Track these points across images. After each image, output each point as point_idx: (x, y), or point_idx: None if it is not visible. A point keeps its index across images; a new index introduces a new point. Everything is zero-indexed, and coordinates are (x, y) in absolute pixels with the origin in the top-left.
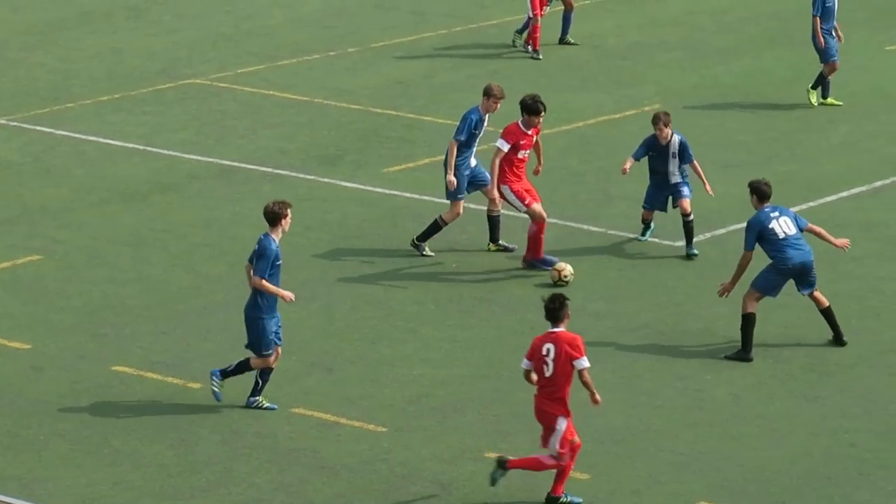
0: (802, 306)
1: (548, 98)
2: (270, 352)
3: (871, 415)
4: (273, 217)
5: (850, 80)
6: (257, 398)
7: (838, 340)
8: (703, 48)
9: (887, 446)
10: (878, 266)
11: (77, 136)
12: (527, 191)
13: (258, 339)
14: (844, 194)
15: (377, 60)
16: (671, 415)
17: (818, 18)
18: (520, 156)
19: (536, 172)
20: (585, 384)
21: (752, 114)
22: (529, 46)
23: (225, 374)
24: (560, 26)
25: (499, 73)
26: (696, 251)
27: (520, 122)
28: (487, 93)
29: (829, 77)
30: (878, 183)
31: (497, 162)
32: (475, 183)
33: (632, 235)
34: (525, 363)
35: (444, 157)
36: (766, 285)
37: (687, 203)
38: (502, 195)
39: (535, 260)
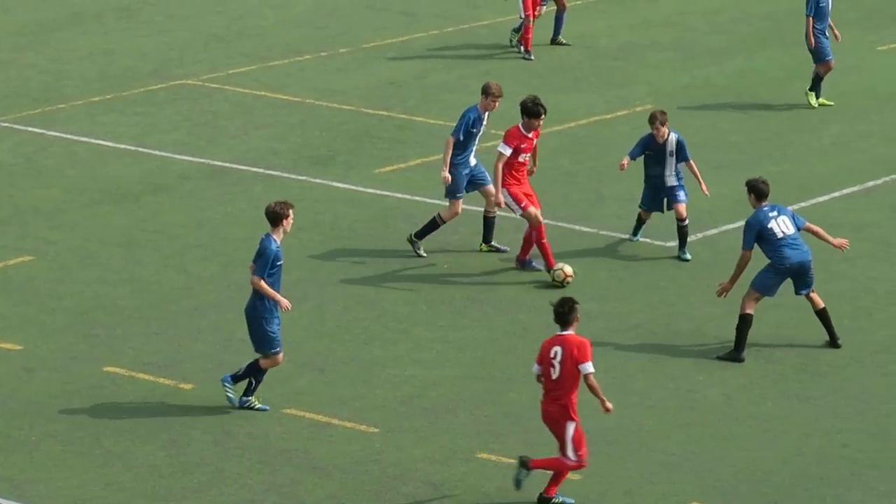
0: (794, 307)
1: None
2: (278, 349)
3: (863, 415)
4: (275, 217)
5: (842, 81)
6: (249, 398)
7: (833, 343)
8: (695, 48)
9: (879, 446)
10: (869, 266)
11: (68, 136)
12: (526, 195)
13: (263, 339)
14: (836, 194)
15: (369, 61)
16: (663, 415)
17: (811, 18)
18: (520, 159)
19: (530, 173)
20: (592, 389)
21: (743, 114)
22: (522, 47)
23: (236, 378)
24: (552, 27)
25: (491, 73)
26: (689, 256)
27: (520, 124)
28: (486, 91)
29: (824, 75)
30: (870, 183)
31: (500, 166)
32: (474, 182)
33: (624, 236)
34: (535, 368)
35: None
36: (765, 285)
37: (683, 208)
38: (495, 198)
39: (522, 262)
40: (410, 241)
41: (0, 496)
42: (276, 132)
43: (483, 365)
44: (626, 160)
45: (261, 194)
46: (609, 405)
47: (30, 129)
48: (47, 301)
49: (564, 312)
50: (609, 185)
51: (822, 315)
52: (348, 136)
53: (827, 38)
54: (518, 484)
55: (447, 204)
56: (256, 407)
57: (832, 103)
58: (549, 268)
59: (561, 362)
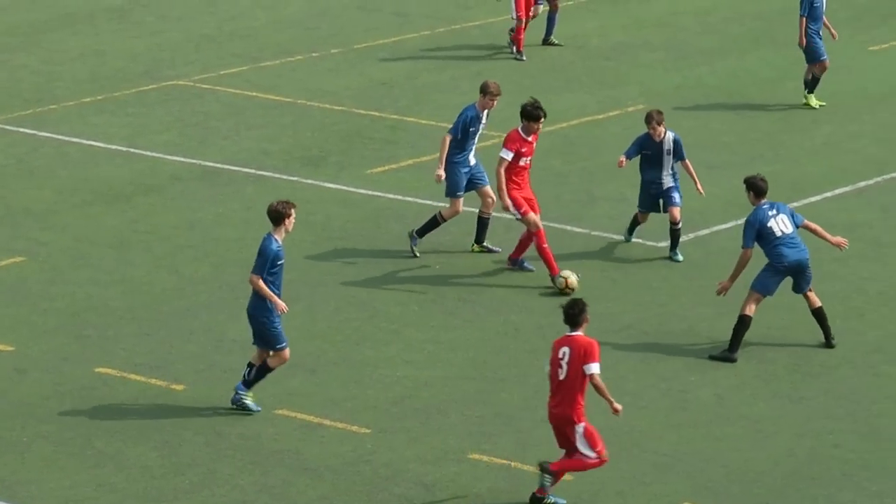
0: (786, 307)
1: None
2: (284, 344)
3: (855, 416)
4: (277, 216)
5: (833, 81)
6: (246, 392)
7: (827, 342)
8: (687, 49)
9: (871, 447)
10: (861, 267)
11: (60, 137)
12: (526, 199)
13: (267, 335)
14: (828, 195)
15: (360, 62)
16: (655, 416)
17: (805, 19)
18: (521, 163)
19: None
20: (598, 390)
21: (735, 114)
22: (514, 47)
23: (248, 383)
24: (544, 27)
25: (482, 74)
26: (680, 257)
27: (519, 128)
28: (484, 90)
29: (820, 76)
30: (862, 183)
31: (501, 171)
32: (472, 182)
33: (616, 237)
34: (547, 368)
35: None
36: (765, 285)
37: (677, 212)
38: (503, 200)
39: (514, 262)
40: (410, 237)
41: None
42: (267, 133)
43: (475, 365)
44: (623, 158)
45: (252, 195)
46: (617, 406)
47: (21, 129)
48: (39, 302)
49: (574, 314)
50: (601, 186)
51: (819, 314)
52: (340, 136)
53: (821, 39)
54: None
55: (447, 204)
56: (248, 404)
57: (824, 103)
58: (552, 275)
59: (569, 363)
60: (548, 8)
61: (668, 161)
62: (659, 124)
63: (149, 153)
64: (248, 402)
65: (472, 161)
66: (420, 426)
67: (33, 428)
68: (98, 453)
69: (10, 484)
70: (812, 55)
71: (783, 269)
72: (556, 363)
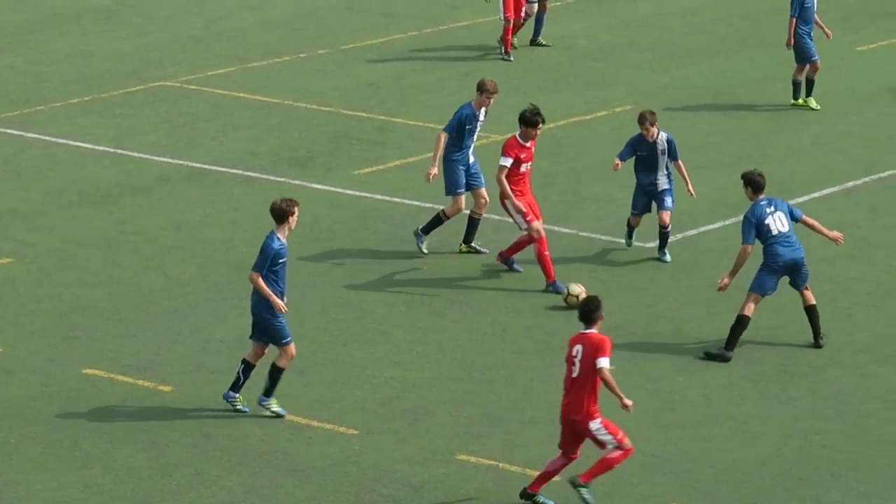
0: (774, 307)
1: (519, 100)
2: (289, 339)
3: (843, 416)
4: (280, 214)
5: (821, 81)
6: (236, 395)
7: (815, 341)
8: (674, 49)
9: (859, 447)
10: (849, 267)
11: (47, 138)
12: (529, 205)
13: (272, 331)
14: (816, 195)
15: (347, 62)
16: (643, 416)
17: (795, 19)
18: (521, 170)
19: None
20: (607, 384)
21: (723, 115)
22: (501, 48)
23: (267, 392)
24: (532, 28)
25: (470, 74)
26: (668, 258)
27: (517, 135)
28: (481, 88)
29: (814, 76)
30: (850, 184)
31: (502, 178)
32: (467, 183)
33: (604, 237)
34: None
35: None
36: (763, 285)
37: (667, 216)
38: (506, 208)
39: (504, 259)
40: (415, 235)
41: None
42: (255, 134)
43: (462, 366)
44: (618, 162)
45: (240, 196)
46: (627, 401)
47: (8, 131)
48: (26, 303)
49: (590, 311)
50: (588, 187)
51: (811, 312)
52: (327, 137)
53: (812, 39)
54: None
55: (436, 204)
56: (237, 406)
57: (804, 101)
58: (548, 283)
59: (581, 360)
60: (536, 8)
61: (663, 161)
62: (652, 125)
63: (136, 154)
64: (276, 408)
65: (471, 159)
66: (408, 427)
67: (20, 429)
68: (85, 454)
69: None
70: (803, 56)
71: (779, 268)
72: (569, 361)
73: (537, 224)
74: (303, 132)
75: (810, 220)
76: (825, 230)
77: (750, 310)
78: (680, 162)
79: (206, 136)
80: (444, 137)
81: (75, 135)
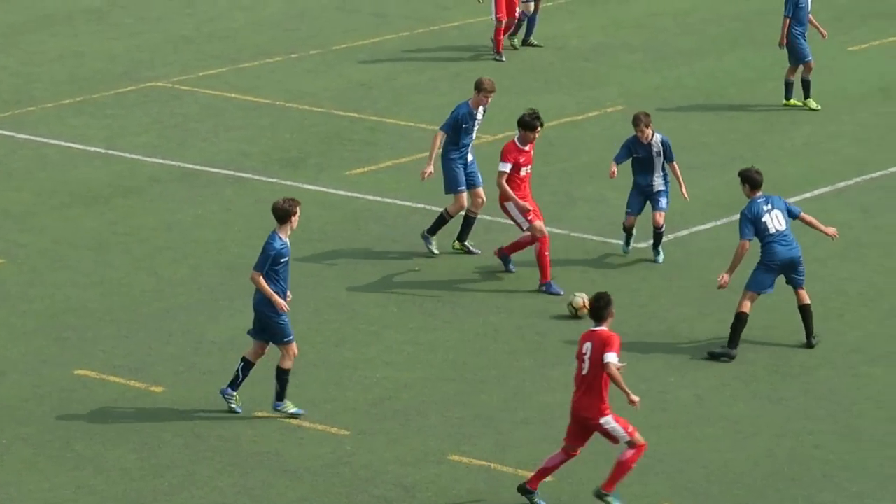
0: (766, 307)
1: (511, 100)
2: (290, 338)
3: (835, 416)
4: (283, 214)
5: (813, 81)
6: (233, 393)
7: (808, 341)
8: (666, 50)
9: (851, 447)
10: (841, 267)
11: (38, 139)
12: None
13: (274, 329)
14: (807, 195)
15: (339, 63)
16: (635, 416)
17: (789, 19)
18: (521, 173)
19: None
20: (613, 380)
21: (715, 115)
22: (494, 49)
23: (279, 396)
24: (524, 28)
25: (461, 75)
26: (661, 259)
27: (516, 138)
28: (478, 87)
29: (809, 77)
30: (841, 184)
31: (503, 183)
32: (466, 181)
33: (596, 238)
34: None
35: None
36: (759, 283)
37: (661, 217)
38: (506, 211)
39: (503, 256)
40: (423, 237)
41: None
42: (246, 134)
43: (454, 367)
44: (614, 167)
45: (231, 196)
46: (634, 397)
47: None
48: (17, 304)
49: (600, 307)
50: (580, 187)
51: (805, 311)
52: (319, 137)
53: (805, 40)
54: None
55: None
56: (232, 406)
57: (801, 103)
58: (542, 282)
59: (590, 357)
60: (533, 7)
61: (659, 163)
62: (647, 126)
63: (127, 155)
64: (293, 409)
65: (469, 158)
66: (399, 428)
67: (12, 430)
68: (77, 456)
69: None
70: (798, 57)
71: (776, 266)
72: (579, 357)
73: (539, 224)
74: (294, 133)
75: (808, 217)
76: (821, 226)
77: (747, 307)
78: (675, 164)
79: (197, 136)
80: (440, 136)
81: (66, 135)
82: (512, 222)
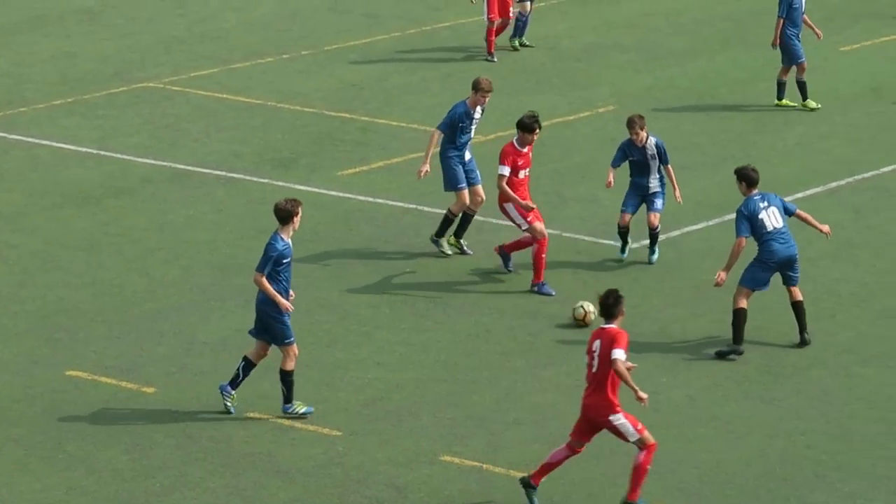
0: (758, 308)
1: (502, 100)
2: (291, 339)
3: (827, 416)
4: (285, 215)
5: (807, 81)
6: (231, 392)
7: (801, 338)
8: (658, 50)
9: (843, 448)
10: (832, 267)
11: (30, 140)
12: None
13: (275, 329)
14: (799, 195)
15: (330, 63)
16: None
17: (783, 20)
18: (520, 176)
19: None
20: (620, 376)
21: (706, 115)
22: (486, 49)
23: (287, 398)
24: (513, 28)
25: (452, 75)
26: (654, 259)
27: (514, 140)
28: (476, 87)
29: (803, 77)
30: (833, 184)
31: (504, 186)
32: (466, 179)
33: (587, 238)
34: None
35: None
36: (755, 280)
37: (655, 218)
38: (506, 213)
39: (503, 253)
40: (433, 242)
41: None
42: (238, 135)
43: (446, 367)
44: (611, 176)
45: (223, 197)
46: (642, 394)
47: None
48: (9, 305)
49: (610, 304)
50: (571, 188)
51: (797, 308)
52: (310, 138)
53: (800, 41)
54: None
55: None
56: (227, 404)
57: (795, 104)
58: (534, 283)
59: (599, 354)
60: (517, 9)
61: (654, 166)
62: (641, 129)
63: (119, 155)
64: (303, 409)
65: (467, 157)
66: (391, 428)
67: (4, 431)
68: (69, 456)
69: None
70: (792, 57)
71: (774, 264)
72: (589, 355)
73: (539, 225)
74: (286, 133)
75: (804, 214)
76: (816, 223)
77: (744, 303)
78: (670, 167)
79: (189, 137)
80: (436, 135)
81: (58, 136)
82: (511, 224)
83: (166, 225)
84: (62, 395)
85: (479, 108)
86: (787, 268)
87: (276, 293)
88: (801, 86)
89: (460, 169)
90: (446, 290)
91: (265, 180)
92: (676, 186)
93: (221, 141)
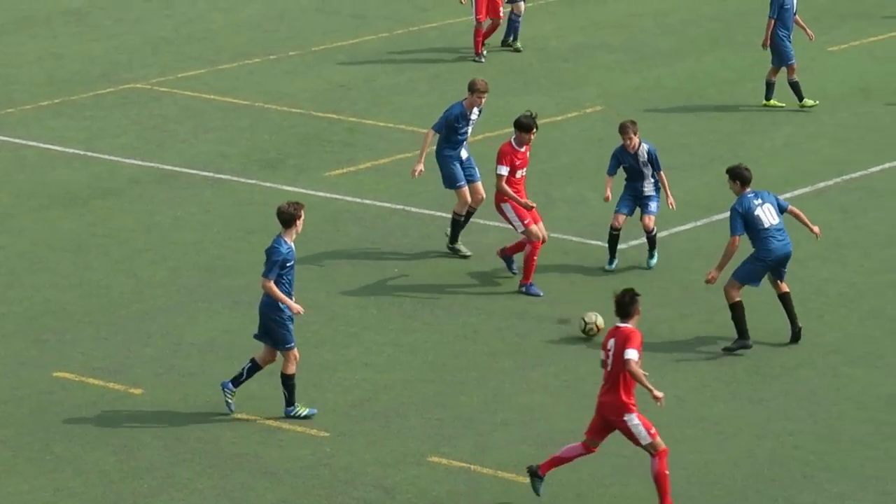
0: (747, 308)
1: (489, 101)
2: (292, 344)
3: (815, 417)
4: (288, 218)
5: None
6: (234, 389)
7: (792, 327)
8: (646, 50)
9: (831, 448)
10: (821, 268)
11: (17, 141)
12: (528, 212)
13: (276, 334)
14: (787, 196)
15: (318, 64)
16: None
17: (774, 21)
18: (517, 176)
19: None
20: (634, 377)
21: (694, 116)
22: (481, 50)
23: (289, 401)
24: (503, 29)
25: (440, 76)
26: (654, 263)
27: (512, 140)
28: (471, 88)
29: (795, 77)
30: (821, 184)
31: (504, 186)
32: (465, 177)
33: (575, 239)
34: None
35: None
36: (749, 275)
37: (649, 221)
38: (503, 213)
39: (505, 256)
40: (451, 250)
41: None
42: (225, 136)
43: (434, 368)
44: (608, 191)
45: (210, 198)
46: (658, 393)
47: None
48: None
49: (626, 303)
50: (559, 188)
51: (785, 299)
52: (298, 139)
53: (791, 42)
54: None
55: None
56: (228, 400)
57: (784, 104)
58: (522, 283)
59: (614, 354)
60: (510, 9)
61: (647, 172)
62: (634, 134)
63: (106, 156)
64: (305, 411)
65: (465, 155)
66: (379, 429)
67: None
68: (56, 458)
69: None
70: (783, 58)
71: (770, 261)
72: (605, 352)
73: (535, 228)
74: (273, 134)
75: (796, 210)
76: (808, 221)
77: (738, 296)
78: (662, 174)
79: (176, 138)
80: (430, 135)
81: (45, 137)
82: (503, 225)
83: (153, 226)
84: (49, 397)
85: (475, 110)
86: (780, 264)
87: (285, 297)
88: (795, 87)
89: (458, 167)
90: (434, 290)
91: (252, 181)
92: (669, 193)
93: (209, 142)
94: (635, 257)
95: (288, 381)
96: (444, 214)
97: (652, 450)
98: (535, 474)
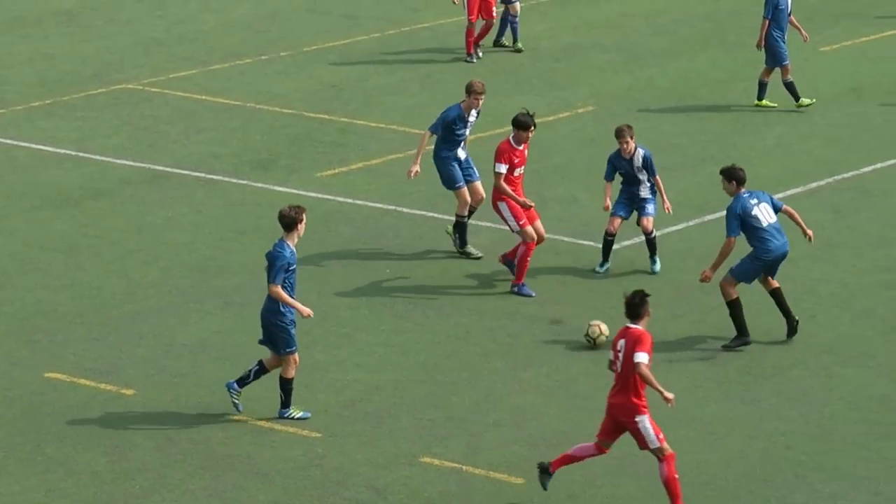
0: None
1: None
2: (292, 349)
3: (807, 417)
4: (290, 222)
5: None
6: (239, 390)
7: (788, 320)
8: (638, 50)
9: (823, 448)
10: (813, 268)
11: (8, 142)
12: (524, 212)
13: (277, 338)
14: (779, 196)
15: (310, 64)
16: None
17: (768, 21)
18: (515, 174)
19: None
20: (644, 380)
21: (686, 116)
22: (477, 49)
23: (284, 403)
24: (496, 29)
25: (432, 76)
26: (658, 267)
27: (510, 138)
28: (468, 90)
29: (789, 78)
30: (813, 184)
31: (502, 185)
32: (464, 177)
33: (567, 239)
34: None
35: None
36: (746, 273)
37: (647, 222)
38: (499, 212)
39: (507, 261)
40: (462, 254)
41: None
42: (217, 136)
43: (426, 369)
44: (608, 200)
45: (202, 199)
46: (669, 395)
47: None
48: None
49: (636, 304)
50: (551, 188)
51: (777, 294)
52: (289, 139)
53: (785, 43)
54: None
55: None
56: (234, 401)
57: (776, 105)
58: (514, 283)
59: (623, 355)
60: (503, 9)
61: (644, 176)
62: (631, 138)
63: (98, 157)
64: (299, 414)
65: (463, 156)
66: (371, 430)
67: None
68: (48, 459)
69: None
70: (777, 59)
71: (769, 260)
72: (615, 353)
73: (530, 229)
74: (265, 134)
75: (790, 210)
76: (802, 222)
77: (735, 293)
78: (658, 178)
79: (168, 138)
80: (426, 136)
81: (36, 138)
82: (499, 224)
83: (145, 227)
84: (41, 398)
85: (473, 112)
86: (777, 263)
87: (294, 301)
88: (790, 87)
89: (456, 168)
90: (426, 291)
91: (244, 182)
92: (665, 198)
93: (200, 142)
94: (628, 257)
95: (286, 385)
96: (435, 215)
97: (660, 454)
98: (546, 470)
